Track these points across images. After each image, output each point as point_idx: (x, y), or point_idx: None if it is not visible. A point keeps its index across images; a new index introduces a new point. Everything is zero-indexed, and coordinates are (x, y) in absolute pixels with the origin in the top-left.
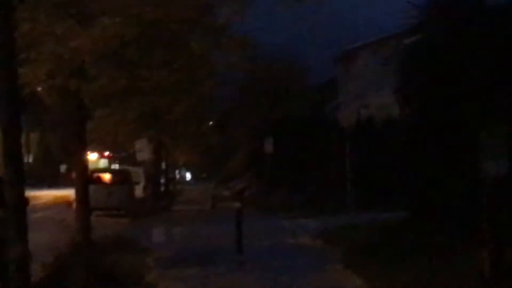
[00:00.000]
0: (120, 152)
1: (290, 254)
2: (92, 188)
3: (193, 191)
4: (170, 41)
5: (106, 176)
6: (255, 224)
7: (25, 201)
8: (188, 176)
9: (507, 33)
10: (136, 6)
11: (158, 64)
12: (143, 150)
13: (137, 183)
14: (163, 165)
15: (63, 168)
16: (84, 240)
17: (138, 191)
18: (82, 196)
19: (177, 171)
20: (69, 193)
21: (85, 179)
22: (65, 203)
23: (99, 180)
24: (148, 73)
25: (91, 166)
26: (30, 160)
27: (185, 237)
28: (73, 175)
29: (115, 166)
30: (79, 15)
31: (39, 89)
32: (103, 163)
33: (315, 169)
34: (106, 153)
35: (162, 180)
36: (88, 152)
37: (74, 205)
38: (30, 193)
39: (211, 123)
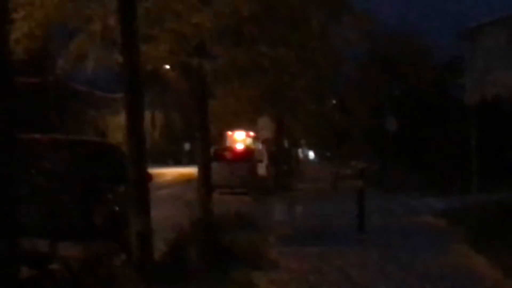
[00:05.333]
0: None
1: (412, 233)
2: (215, 165)
3: (316, 170)
4: (289, 17)
5: (229, 154)
6: (376, 203)
7: (148, 177)
8: (312, 155)
9: None
10: None
11: (277, 40)
12: (265, 128)
13: (260, 161)
14: (286, 144)
15: (187, 146)
16: (205, 217)
17: (261, 169)
18: (204, 173)
19: (300, 150)
20: (194, 171)
21: (208, 157)
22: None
23: (222, 158)
24: (267, 50)
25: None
26: (155, 138)
27: (305, 216)
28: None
29: (258, 146)
30: None
31: (164, 67)
32: (248, 142)
33: (437, 147)
34: (251, 133)
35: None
36: (236, 131)
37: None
38: (155, 171)
39: (334, 102)
